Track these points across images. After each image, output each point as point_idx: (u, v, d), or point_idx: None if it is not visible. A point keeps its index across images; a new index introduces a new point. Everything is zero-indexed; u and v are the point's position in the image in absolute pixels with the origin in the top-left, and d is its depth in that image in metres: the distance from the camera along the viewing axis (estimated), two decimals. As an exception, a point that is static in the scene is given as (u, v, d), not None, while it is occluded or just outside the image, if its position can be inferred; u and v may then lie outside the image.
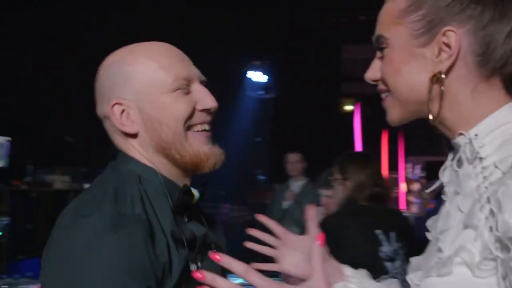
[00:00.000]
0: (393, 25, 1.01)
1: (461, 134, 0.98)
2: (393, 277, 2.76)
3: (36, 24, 6.58)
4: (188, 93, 1.24)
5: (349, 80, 13.41)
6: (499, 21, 0.93)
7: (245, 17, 8.41)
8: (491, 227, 0.84)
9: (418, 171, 12.65)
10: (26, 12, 6.42)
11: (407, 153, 11.70)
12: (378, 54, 1.06)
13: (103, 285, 1.01)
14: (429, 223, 1.11)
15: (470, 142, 0.96)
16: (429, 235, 1.09)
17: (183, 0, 8.08)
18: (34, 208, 6.29)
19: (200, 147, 1.25)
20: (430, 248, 1.06)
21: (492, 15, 0.93)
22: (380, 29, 1.04)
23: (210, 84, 1.32)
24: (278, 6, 8.55)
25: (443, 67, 0.95)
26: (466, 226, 0.91)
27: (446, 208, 1.01)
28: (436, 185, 1.15)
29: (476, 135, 0.96)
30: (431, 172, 9.00)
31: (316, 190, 5.47)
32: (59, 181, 6.51)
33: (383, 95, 1.08)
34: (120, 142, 1.27)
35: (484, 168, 0.93)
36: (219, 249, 1.32)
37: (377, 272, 2.72)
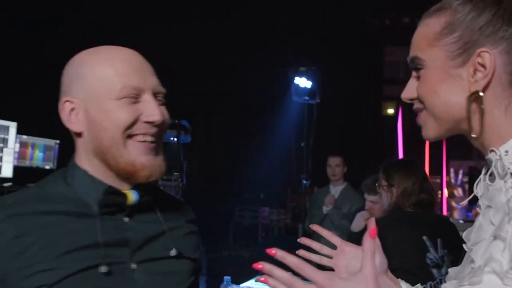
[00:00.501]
0: (429, 47, 1.03)
1: (492, 150, 1.00)
2: (439, 283, 2.74)
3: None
4: (136, 102, 1.23)
5: (391, 82, 13.34)
6: None
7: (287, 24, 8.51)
8: None
9: (461, 176, 12.47)
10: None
11: (450, 158, 11.54)
12: (414, 74, 1.08)
13: None
14: (464, 234, 1.10)
15: (501, 158, 0.98)
16: (465, 246, 1.10)
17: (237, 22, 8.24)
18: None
19: (137, 157, 1.22)
20: (465, 259, 1.07)
21: None
22: (415, 51, 1.06)
23: (166, 96, 1.30)
24: (322, 9, 8.60)
25: (479, 86, 0.98)
26: (495, 238, 0.93)
27: (479, 220, 1.03)
28: (470, 197, 1.17)
29: (506, 151, 0.98)
30: (475, 177, 8.84)
31: (355, 195, 5.45)
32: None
33: (418, 113, 1.10)
34: (75, 141, 1.30)
35: None
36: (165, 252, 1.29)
37: (423, 279, 2.71)
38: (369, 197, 4.01)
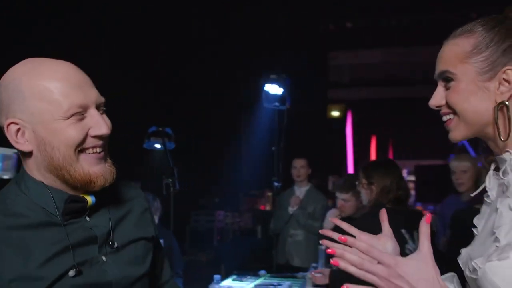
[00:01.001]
0: (460, 63, 1.23)
1: (507, 151, 1.21)
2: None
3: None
4: (82, 119, 1.27)
5: (335, 86, 13.69)
6: None
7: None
8: None
9: (405, 175, 12.96)
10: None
11: (395, 158, 12.01)
12: (441, 84, 1.28)
13: None
14: (475, 220, 1.33)
15: None
16: (475, 230, 1.31)
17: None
18: None
19: (90, 168, 1.28)
20: (479, 241, 1.26)
21: None
22: (445, 66, 1.25)
23: (105, 105, 1.35)
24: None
25: (504, 97, 1.18)
26: None
27: (496, 208, 1.21)
28: (479, 190, 1.35)
29: None
30: (420, 175, 9.17)
31: (319, 195, 5.67)
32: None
33: (445, 118, 1.29)
34: (22, 157, 1.31)
35: None
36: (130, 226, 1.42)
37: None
38: (341, 196, 4.23)
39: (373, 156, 11.79)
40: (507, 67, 1.18)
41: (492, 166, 1.28)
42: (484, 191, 1.32)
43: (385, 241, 1.44)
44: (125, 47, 7.39)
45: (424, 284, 1.11)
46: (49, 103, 1.23)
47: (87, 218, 1.34)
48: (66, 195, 1.30)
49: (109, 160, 1.34)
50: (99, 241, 1.32)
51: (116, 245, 1.35)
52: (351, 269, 1.14)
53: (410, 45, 12.16)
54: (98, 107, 1.30)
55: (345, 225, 1.40)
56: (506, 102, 1.18)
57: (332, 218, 1.49)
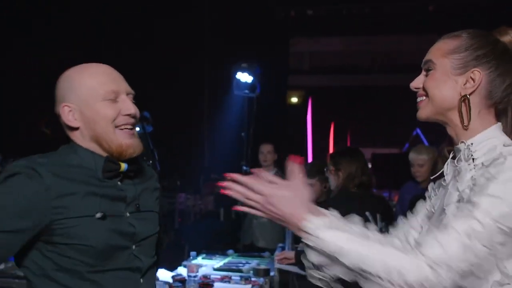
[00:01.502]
0: (441, 57, 1.50)
1: (462, 142, 1.47)
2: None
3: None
4: (115, 102, 1.71)
5: (295, 73, 13.86)
6: (505, 76, 1.46)
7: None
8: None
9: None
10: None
11: (353, 145, 12.34)
12: (424, 72, 1.54)
13: None
14: (432, 200, 1.61)
15: (468, 148, 1.45)
16: (432, 209, 1.59)
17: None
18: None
19: (123, 140, 1.70)
20: (434, 217, 1.52)
21: (502, 70, 1.46)
22: (430, 56, 1.52)
23: (134, 95, 1.78)
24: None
25: (468, 92, 1.45)
26: (460, 199, 1.40)
27: (448, 190, 1.48)
28: (438, 173, 1.62)
29: (472, 143, 1.45)
30: (377, 163, 9.48)
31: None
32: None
33: (419, 99, 1.54)
34: (69, 133, 1.74)
35: (475, 165, 1.42)
36: (146, 201, 1.82)
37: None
38: (307, 181, 4.45)
39: (331, 143, 12.09)
40: (475, 69, 1.45)
41: (451, 155, 1.54)
42: (442, 175, 1.58)
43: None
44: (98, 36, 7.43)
45: (290, 206, 1.39)
46: (91, 90, 1.70)
47: (119, 183, 1.74)
48: (104, 157, 1.71)
49: (137, 138, 1.77)
50: (127, 201, 1.73)
51: (140, 207, 1.77)
52: (238, 196, 1.43)
53: (370, 34, 12.45)
54: (127, 94, 1.75)
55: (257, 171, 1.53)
56: (469, 96, 1.44)
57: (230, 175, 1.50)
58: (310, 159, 10.63)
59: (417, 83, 1.54)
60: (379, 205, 3.38)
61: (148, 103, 4.01)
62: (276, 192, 1.41)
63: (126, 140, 1.71)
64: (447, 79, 1.47)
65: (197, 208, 10.75)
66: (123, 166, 1.73)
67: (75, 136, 1.72)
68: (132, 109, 1.73)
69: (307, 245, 1.39)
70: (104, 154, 1.71)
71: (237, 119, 6.61)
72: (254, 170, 1.52)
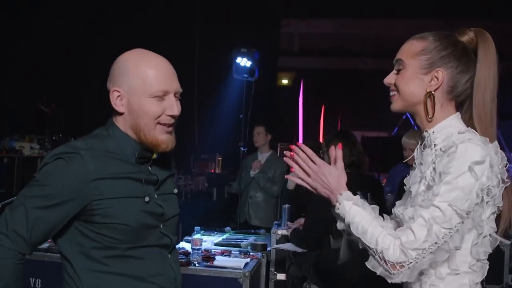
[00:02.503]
0: (410, 57, 1.71)
1: (426, 130, 1.72)
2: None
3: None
4: (162, 100, 1.75)
5: (286, 54, 13.96)
6: (464, 72, 1.68)
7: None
8: (432, 177, 1.60)
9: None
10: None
11: (343, 127, 12.54)
12: (395, 69, 1.74)
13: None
14: (405, 181, 1.85)
15: (430, 135, 1.70)
16: (406, 189, 1.83)
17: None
18: (5, 173, 6.54)
19: (159, 136, 1.76)
20: (406, 195, 1.79)
21: (462, 68, 1.68)
22: (401, 56, 1.73)
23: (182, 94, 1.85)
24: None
25: (432, 89, 1.67)
26: (421, 178, 1.67)
27: (415, 172, 1.74)
28: (410, 157, 1.94)
29: (433, 132, 1.69)
30: (367, 146, 9.67)
31: (279, 161, 6.10)
32: (28, 148, 6.76)
33: (391, 93, 1.76)
34: (114, 114, 1.82)
35: (436, 150, 1.66)
36: (171, 186, 1.94)
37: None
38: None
39: (322, 125, 12.28)
40: (439, 69, 1.67)
41: (420, 141, 1.79)
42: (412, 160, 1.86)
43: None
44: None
45: (334, 183, 1.70)
46: (143, 83, 1.74)
47: (149, 168, 1.83)
48: (140, 146, 1.79)
49: (174, 134, 1.83)
50: (156, 184, 1.83)
51: (163, 191, 1.86)
52: (295, 165, 1.74)
53: (361, 17, 12.57)
54: (175, 94, 1.80)
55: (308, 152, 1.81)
56: (433, 93, 1.67)
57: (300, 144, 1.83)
58: (300, 141, 10.83)
59: (389, 79, 1.75)
60: (370, 185, 3.56)
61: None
62: (329, 167, 1.73)
63: (162, 136, 1.77)
64: (415, 78, 1.69)
65: (188, 188, 10.92)
66: (155, 155, 1.81)
67: (118, 119, 1.79)
68: (176, 110, 1.78)
69: (337, 214, 1.70)
70: (138, 141, 1.79)
71: (232, 102, 6.78)
72: (298, 144, 1.78)
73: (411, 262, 1.52)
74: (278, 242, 4.21)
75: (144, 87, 1.73)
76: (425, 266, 1.57)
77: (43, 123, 7.00)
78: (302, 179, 1.75)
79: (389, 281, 1.58)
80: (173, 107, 1.77)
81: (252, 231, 4.87)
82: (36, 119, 7.02)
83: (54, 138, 6.93)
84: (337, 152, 1.77)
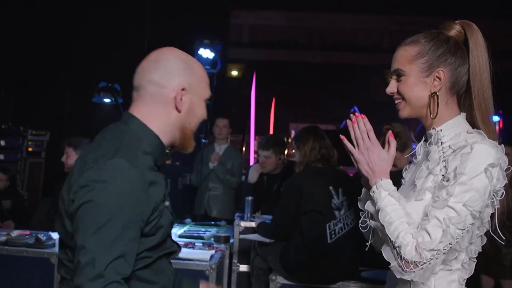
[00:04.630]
0: (408, 64, 1.74)
1: (433, 128, 1.75)
2: (339, 221, 3.53)
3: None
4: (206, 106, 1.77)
5: (236, 45, 13.94)
6: (462, 65, 1.72)
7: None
8: (443, 175, 1.64)
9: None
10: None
11: (293, 120, 12.68)
12: (394, 77, 1.78)
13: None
14: (403, 174, 1.91)
15: (438, 133, 1.73)
16: (403, 181, 1.89)
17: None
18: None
19: (192, 139, 1.76)
20: (404, 188, 1.82)
21: (459, 62, 1.72)
22: (398, 65, 1.76)
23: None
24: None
25: (436, 89, 1.72)
26: (429, 173, 1.69)
27: (419, 167, 1.77)
28: (411, 153, 1.97)
29: (441, 130, 1.73)
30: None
31: (237, 152, 6.12)
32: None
33: (396, 102, 1.79)
34: (155, 109, 1.68)
35: (443, 148, 1.70)
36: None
37: (329, 218, 3.49)
38: (263, 153, 4.71)
39: (272, 118, 12.33)
40: (439, 68, 1.71)
41: (424, 138, 1.84)
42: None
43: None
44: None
45: (379, 166, 1.69)
46: (204, 87, 1.76)
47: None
48: (165, 148, 1.72)
49: None
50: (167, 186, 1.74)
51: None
52: (351, 132, 1.73)
53: (309, 10, 12.69)
54: None
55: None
56: (437, 93, 1.71)
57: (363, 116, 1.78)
58: (252, 133, 10.86)
59: (391, 88, 1.78)
60: (342, 180, 3.64)
61: (119, 75, 4.11)
62: (381, 149, 1.71)
63: (193, 140, 1.78)
64: (418, 82, 1.73)
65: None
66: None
67: (168, 118, 1.69)
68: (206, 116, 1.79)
69: (370, 196, 1.70)
70: (165, 142, 1.70)
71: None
72: (362, 116, 1.76)
73: (425, 263, 1.53)
74: (241, 234, 4.23)
75: (204, 91, 1.74)
76: (438, 267, 1.60)
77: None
78: (350, 149, 1.73)
79: (398, 276, 1.59)
80: (206, 113, 1.78)
81: (213, 222, 4.87)
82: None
83: (2, 126, 6.69)
84: (391, 139, 1.74)
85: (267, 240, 3.75)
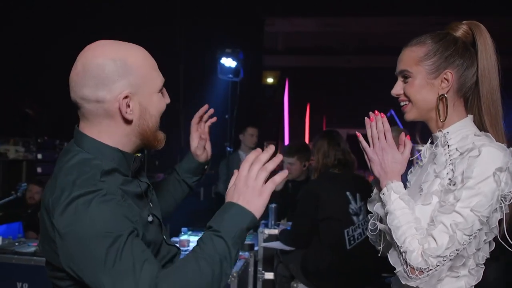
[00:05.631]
0: (415, 65, 1.69)
1: (440, 130, 1.70)
2: (358, 227, 3.49)
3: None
4: (162, 93, 1.54)
5: (271, 53, 13.97)
6: (470, 67, 1.67)
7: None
8: (449, 178, 1.59)
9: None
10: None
11: (329, 126, 12.59)
12: (400, 79, 1.73)
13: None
14: (408, 177, 1.87)
15: (444, 136, 1.69)
16: (408, 184, 1.83)
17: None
18: (-10, 176, 6.50)
19: (160, 134, 1.55)
20: (410, 191, 1.73)
21: (467, 64, 1.67)
22: (404, 66, 1.71)
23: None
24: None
25: (444, 91, 1.67)
26: (436, 177, 1.64)
27: (426, 170, 1.72)
28: (416, 155, 1.90)
29: (447, 132, 1.69)
30: (352, 143, 9.71)
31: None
32: (13, 151, 6.71)
33: (402, 104, 1.74)
34: (105, 125, 1.47)
35: (450, 150, 1.65)
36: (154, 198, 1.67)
37: (346, 224, 3.45)
38: (287, 160, 4.70)
39: (307, 124, 12.31)
40: (447, 70, 1.66)
41: (430, 140, 1.78)
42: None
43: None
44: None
45: (392, 167, 1.65)
46: (150, 78, 1.49)
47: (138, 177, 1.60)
48: (133, 156, 1.53)
49: None
50: (147, 195, 1.59)
51: (153, 196, 1.66)
52: (368, 130, 1.71)
53: (344, 15, 12.59)
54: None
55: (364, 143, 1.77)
56: (445, 95, 1.66)
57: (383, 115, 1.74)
58: (286, 140, 10.84)
59: (397, 90, 1.73)
60: (359, 185, 3.60)
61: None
62: (396, 151, 1.68)
63: (161, 134, 1.58)
64: (425, 84, 1.68)
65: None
66: (137, 155, 1.57)
67: (117, 131, 1.48)
68: (169, 99, 1.59)
69: (380, 198, 1.67)
70: (128, 149, 1.52)
71: (218, 102, 6.80)
72: (382, 114, 1.72)
73: (431, 270, 1.49)
74: (265, 241, 4.23)
75: (152, 82, 1.49)
76: (444, 274, 1.55)
77: (27, 125, 6.96)
78: (364, 147, 1.71)
79: (403, 282, 1.56)
80: (167, 96, 1.58)
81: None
82: (20, 122, 6.96)
83: (39, 140, 6.88)
84: (407, 141, 1.70)
85: (287, 248, 3.74)
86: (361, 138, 1.73)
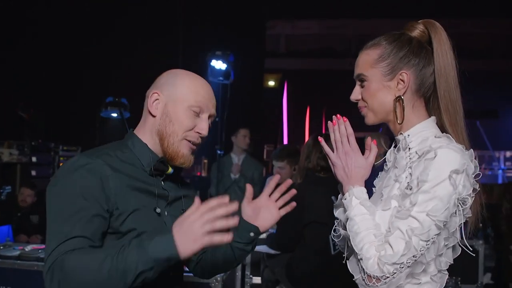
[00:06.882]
0: (370, 68, 1.65)
1: (401, 133, 1.66)
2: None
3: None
4: (196, 116, 1.77)
5: (272, 55, 13.95)
6: (427, 66, 1.63)
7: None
8: (408, 182, 1.54)
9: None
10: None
11: (327, 128, 12.50)
12: (358, 83, 1.69)
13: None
14: (374, 182, 1.80)
15: (405, 138, 1.64)
16: (374, 189, 1.77)
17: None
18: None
19: (182, 150, 1.76)
20: (374, 197, 1.71)
21: (423, 63, 1.63)
22: (360, 70, 1.67)
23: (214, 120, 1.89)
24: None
25: (400, 93, 1.63)
26: (395, 181, 1.60)
27: (388, 174, 1.68)
28: (381, 160, 1.82)
29: (408, 135, 1.64)
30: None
31: (255, 162, 6.08)
32: (7, 154, 6.70)
33: (361, 109, 1.70)
34: (142, 119, 1.84)
35: (410, 153, 1.60)
36: (186, 206, 1.79)
37: (331, 228, 3.38)
38: (277, 164, 4.64)
39: (307, 126, 12.27)
40: (402, 71, 1.62)
41: (393, 144, 1.73)
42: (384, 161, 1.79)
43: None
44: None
45: (355, 172, 1.62)
46: (184, 94, 1.78)
47: (162, 182, 1.80)
48: (158, 157, 1.79)
49: (194, 154, 1.84)
50: (169, 200, 1.80)
51: (174, 209, 1.82)
52: (335, 134, 1.67)
53: (346, 18, 12.58)
54: (209, 117, 1.83)
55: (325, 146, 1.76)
56: (402, 96, 1.63)
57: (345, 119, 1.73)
58: (285, 142, 10.80)
59: (355, 95, 1.70)
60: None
61: (126, 90, 4.15)
62: (360, 156, 1.64)
63: (184, 151, 1.77)
64: (381, 87, 1.64)
65: (168, 192, 10.82)
66: (170, 170, 1.81)
67: (145, 124, 1.81)
68: (205, 131, 1.79)
69: (342, 203, 1.65)
70: (157, 152, 1.79)
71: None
72: (344, 119, 1.70)
73: (388, 277, 1.45)
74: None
75: (185, 97, 1.76)
76: (402, 281, 1.49)
77: (21, 128, 6.96)
78: (327, 151, 1.69)
79: None
80: (204, 127, 1.78)
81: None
82: (14, 125, 6.96)
83: (33, 143, 6.87)
84: (372, 146, 1.66)
85: (273, 252, 3.69)
86: (323, 143, 1.70)
